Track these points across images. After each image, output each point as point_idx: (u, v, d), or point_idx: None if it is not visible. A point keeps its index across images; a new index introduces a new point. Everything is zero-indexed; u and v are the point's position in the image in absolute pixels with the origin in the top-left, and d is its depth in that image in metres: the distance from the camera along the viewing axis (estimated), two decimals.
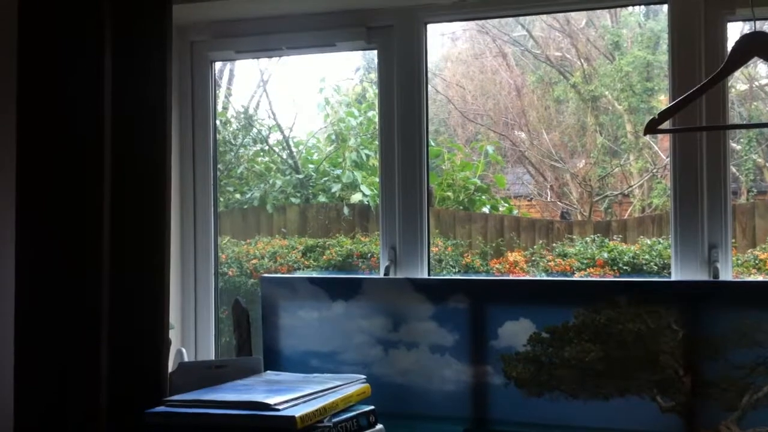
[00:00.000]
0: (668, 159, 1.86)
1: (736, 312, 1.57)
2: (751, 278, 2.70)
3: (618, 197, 3.84)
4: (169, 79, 1.73)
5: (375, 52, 2.05)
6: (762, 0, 1.66)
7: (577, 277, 2.81)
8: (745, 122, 3.51)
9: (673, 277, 1.80)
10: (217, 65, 2.26)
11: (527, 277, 2.81)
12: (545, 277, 2.88)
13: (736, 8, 1.75)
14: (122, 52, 1.72)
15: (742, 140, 3.54)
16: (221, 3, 1.97)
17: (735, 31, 1.82)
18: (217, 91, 2.32)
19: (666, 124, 1.65)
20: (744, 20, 1.81)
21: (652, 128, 1.61)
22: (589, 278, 2.75)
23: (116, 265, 1.71)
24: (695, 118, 1.77)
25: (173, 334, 1.94)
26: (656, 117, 1.60)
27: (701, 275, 1.77)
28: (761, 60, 1.54)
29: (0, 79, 1.80)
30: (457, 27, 4.46)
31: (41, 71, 1.72)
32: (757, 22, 1.53)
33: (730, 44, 1.58)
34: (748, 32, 1.54)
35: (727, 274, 1.76)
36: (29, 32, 1.72)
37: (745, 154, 3.59)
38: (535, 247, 3.15)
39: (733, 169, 3.52)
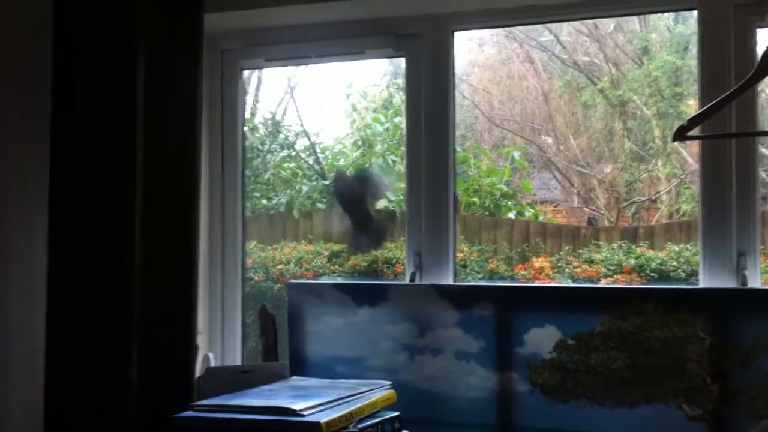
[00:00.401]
0: (697, 165, 1.84)
1: (765, 320, 1.56)
2: None
3: (645, 203, 3.81)
4: (200, 86, 1.75)
5: (402, 58, 2.06)
6: None
7: (603, 284, 2.79)
8: None
9: (701, 285, 1.79)
10: (246, 72, 2.28)
11: (553, 284, 2.80)
12: (571, 284, 2.87)
13: (767, 14, 1.74)
14: (155, 60, 1.74)
15: None
16: (252, 12, 2.00)
17: (765, 36, 1.81)
18: (245, 98, 2.34)
19: (695, 131, 1.64)
20: None
21: (681, 135, 1.60)
22: (616, 285, 2.74)
23: (146, 270, 1.73)
24: (725, 124, 1.76)
25: (200, 339, 1.96)
26: (685, 124, 1.59)
27: (730, 282, 1.75)
28: None
29: (36, 86, 1.83)
30: (484, 32, 4.45)
31: (74, 84, 1.74)
32: None
33: (760, 50, 1.57)
34: None
35: (756, 281, 1.75)
36: (62, 48, 1.75)
37: None
38: (561, 253, 3.13)
39: (763, 175, 3.47)
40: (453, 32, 2.01)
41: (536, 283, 2.85)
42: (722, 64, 1.78)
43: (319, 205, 3.50)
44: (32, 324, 1.81)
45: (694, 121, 1.59)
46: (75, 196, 1.73)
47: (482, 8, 1.96)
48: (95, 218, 1.72)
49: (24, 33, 1.87)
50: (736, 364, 1.57)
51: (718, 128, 1.75)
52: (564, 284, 2.77)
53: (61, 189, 1.74)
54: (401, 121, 3.44)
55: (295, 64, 2.43)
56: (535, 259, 3.12)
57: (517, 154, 3.72)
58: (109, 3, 1.74)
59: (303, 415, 1.42)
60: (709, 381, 1.58)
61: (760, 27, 1.78)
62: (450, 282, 1.97)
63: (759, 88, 1.79)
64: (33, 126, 1.83)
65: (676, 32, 4.06)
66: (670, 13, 4.00)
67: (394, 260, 3.02)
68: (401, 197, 3.13)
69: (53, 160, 1.74)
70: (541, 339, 1.70)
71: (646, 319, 1.62)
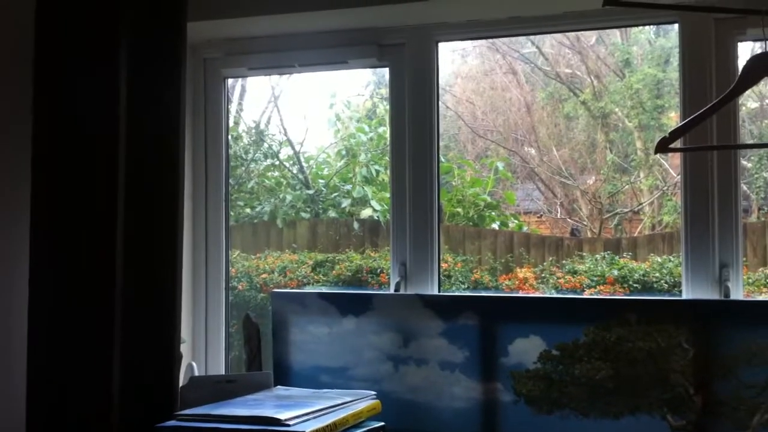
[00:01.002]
0: (679, 176, 1.86)
1: (747, 331, 1.57)
2: (762, 297, 2.69)
3: (628, 214, 3.83)
4: (183, 96, 1.75)
5: (386, 68, 2.07)
6: None
7: (587, 295, 2.81)
8: (755, 140, 3.51)
9: (684, 296, 1.80)
10: (229, 81, 2.28)
11: (538, 295, 2.81)
12: (556, 295, 2.88)
13: (747, 28, 1.76)
14: (137, 70, 1.74)
15: (753, 158, 3.53)
16: (234, 21, 1.99)
17: (746, 50, 1.83)
18: (229, 107, 2.33)
19: (677, 143, 1.65)
20: (755, 40, 1.82)
21: (663, 147, 1.61)
22: (601, 296, 2.75)
23: (129, 278, 1.72)
24: (706, 136, 1.78)
25: (184, 348, 1.94)
26: (667, 136, 1.60)
27: (712, 294, 1.77)
28: None
29: (17, 97, 1.82)
30: (467, 44, 4.47)
31: (57, 88, 1.73)
32: None
33: (741, 63, 1.59)
34: (758, 53, 1.54)
35: (738, 293, 1.76)
36: (45, 52, 1.74)
37: (756, 172, 3.58)
38: (544, 263, 3.14)
39: (744, 187, 3.51)
40: (437, 43, 2.02)
41: (521, 294, 2.86)
42: (703, 77, 1.80)
43: (303, 215, 3.50)
44: (13, 329, 1.80)
45: (675, 134, 1.60)
46: (57, 200, 1.72)
47: (465, 19, 1.97)
48: (77, 222, 1.71)
49: (5, 33, 1.86)
50: (719, 375, 1.58)
51: (700, 141, 1.77)
52: (548, 295, 2.78)
53: (43, 192, 1.73)
54: (385, 130, 3.45)
55: (279, 73, 2.43)
56: (519, 270, 3.13)
57: (500, 165, 3.74)
58: (91, 7, 1.73)
59: (288, 425, 1.41)
60: (692, 392, 1.59)
61: (741, 41, 1.80)
62: (434, 292, 1.97)
63: (740, 101, 1.81)
64: (15, 127, 1.81)
65: (657, 45, 4.10)
66: (652, 26, 4.05)
67: (379, 270, 3.01)
68: (386, 207, 3.14)
69: (35, 162, 1.73)
70: (526, 349, 1.70)
71: (629, 330, 1.63)
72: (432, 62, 2.01)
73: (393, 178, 2.03)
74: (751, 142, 3.42)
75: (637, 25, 3.01)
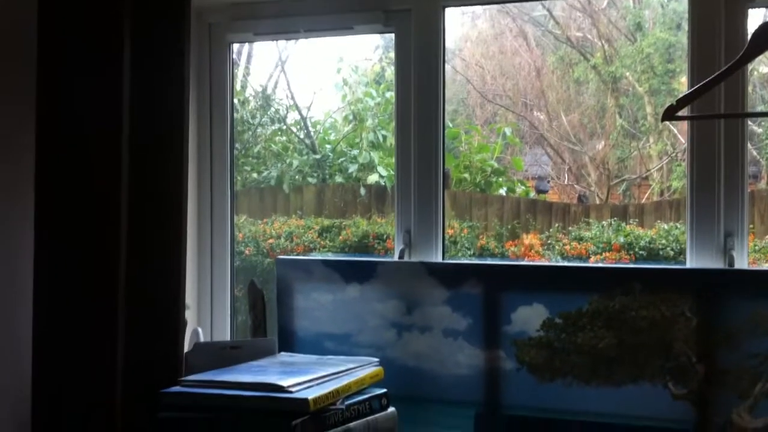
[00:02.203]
0: (687, 143, 1.85)
1: (751, 300, 1.57)
2: None
3: (637, 180, 3.82)
4: (188, 61, 1.73)
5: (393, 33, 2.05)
6: None
7: (591, 263, 2.80)
8: (767, 104, 3.48)
9: (689, 265, 1.79)
10: (236, 45, 2.26)
11: (541, 263, 2.81)
12: (560, 262, 2.88)
13: None
14: (141, 35, 1.72)
15: (764, 123, 3.49)
16: None
17: (757, 17, 1.80)
18: (236, 71, 2.32)
19: (684, 111, 1.63)
20: (766, 6, 1.79)
21: (669, 115, 1.59)
22: (604, 264, 2.75)
23: (134, 245, 1.72)
24: (714, 103, 1.75)
25: (189, 314, 1.95)
26: (674, 104, 1.58)
27: (717, 263, 1.76)
28: None
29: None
30: (477, 6, 4.42)
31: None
32: None
33: (751, 30, 1.57)
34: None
35: (743, 262, 1.75)
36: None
37: (766, 138, 3.55)
38: (551, 230, 3.14)
39: (754, 153, 3.48)
40: (443, 8, 2.00)
41: (524, 262, 2.86)
42: (712, 44, 1.77)
43: (310, 180, 3.50)
44: (18, 295, 1.81)
45: (683, 101, 1.59)
46: (62, 167, 1.72)
47: None
48: (82, 189, 1.71)
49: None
50: (722, 344, 1.58)
51: (708, 108, 1.75)
52: (552, 263, 2.78)
53: (49, 161, 1.72)
54: (393, 96, 3.43)
55: (284, 39, 2.41)
56: (525, 236, 3.13)
57: (508, 131, 3.72)
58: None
59: (291, 392, 1.43)
60: (695, 360, 1.60)
61: (751, 7, 1.78)
62: (439, 259, 1.97)
63: (751, 66, 1.79)
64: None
65: (669, 9, 4.05)
66: None
67: (385, 236, 3.02)
68: (392, 173, 3.13)
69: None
70: (529, 317, 1.70)
71: (633, 299, 1.63)
72: (438, 28, 1.98)
73: (398, 145, 2.02)
74: (761, 107, 3.39)
75: None
